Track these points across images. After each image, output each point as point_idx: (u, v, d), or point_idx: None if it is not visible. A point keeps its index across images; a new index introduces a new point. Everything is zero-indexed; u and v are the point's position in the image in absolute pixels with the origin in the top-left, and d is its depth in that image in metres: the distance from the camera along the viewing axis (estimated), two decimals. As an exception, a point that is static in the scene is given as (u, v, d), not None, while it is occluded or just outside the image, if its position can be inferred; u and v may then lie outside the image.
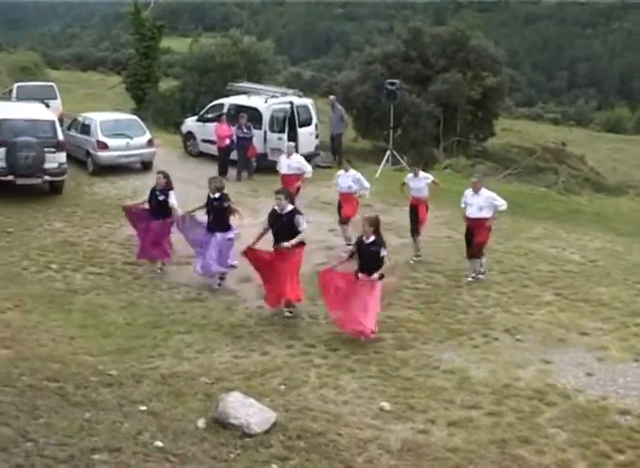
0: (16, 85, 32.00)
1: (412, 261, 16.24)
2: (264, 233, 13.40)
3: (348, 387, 10.52)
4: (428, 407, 9.94)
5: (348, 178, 16.96)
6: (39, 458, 6.78)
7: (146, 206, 15.72)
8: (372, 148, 39.30)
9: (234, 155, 23.95)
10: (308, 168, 18.69)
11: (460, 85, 40.43)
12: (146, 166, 24.38)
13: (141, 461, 7.36)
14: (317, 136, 26.05)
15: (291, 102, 25.21)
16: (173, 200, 15.40)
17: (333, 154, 26.73)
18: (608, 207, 22.86)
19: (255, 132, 23.75)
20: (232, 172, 23.72)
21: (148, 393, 9.94)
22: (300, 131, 25.15)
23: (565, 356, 11.59)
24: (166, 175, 15.60)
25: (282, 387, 10.46)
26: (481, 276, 15.12)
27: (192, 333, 12.57)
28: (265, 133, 24.34)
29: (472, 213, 15.06)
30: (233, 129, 23.69)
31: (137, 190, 21.65)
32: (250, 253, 13.41)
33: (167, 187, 15.47)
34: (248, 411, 8.95)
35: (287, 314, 13.26)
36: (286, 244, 12.79)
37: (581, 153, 46.84)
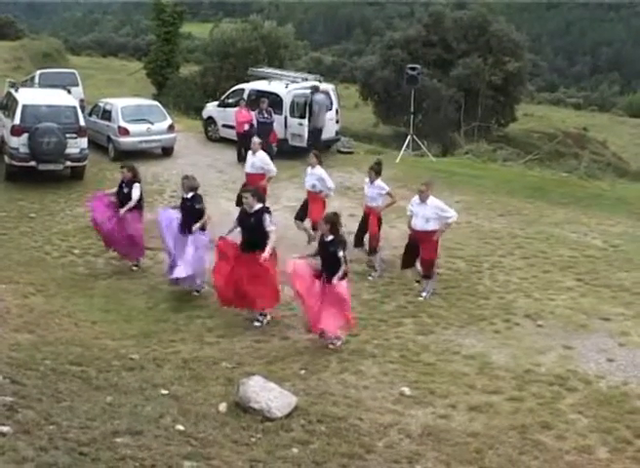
0: (38, 72, 32.26)
1: (370, 277, 14.48)
2: (234, 228, 12.47)
3: (369, 372, 10.52)
4: (449, 392, 9.93)
5: (313, 177, 15.62)
6: (62, 441, 6.83)
7: (113, 199, 15.13)
8: (392, 133, 39.28)
9: (255, 140, 23.93)
10: (272, 167, 17.17)
11: (482, 70, 40.40)
12: (167, 151, 24.50)
13: (163, 444, 7.40)
14: (338, 122, 25.96)
15: (311, 87, 25.13)
16: (135, 192, 14.81)
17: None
18: (630, 192, 22.63)
19: (275, 117, 23.69)
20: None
21: (170, 377, 10.00)
22: (321, 116, 25.08)
23: (586, 341, 11.51)
24: (131, 169, 15.03)
25: (303, 372, 10.48)
26: (421, 298, 13.37)
27: (213, 318, 12.63)
28: (286, 118, 24.25)
29: (417, 224, 13.38)
30: (253, 114, 23.66)
31: (157, 175, 21.76)
32: (222, 245, 12.37)
33: (132, 180, 14.94)
34: (269, 396, 8.99)
35: (256, 324, 12.33)
36: (261, 258, 11.70)
37: (604, 138, 46.59)
